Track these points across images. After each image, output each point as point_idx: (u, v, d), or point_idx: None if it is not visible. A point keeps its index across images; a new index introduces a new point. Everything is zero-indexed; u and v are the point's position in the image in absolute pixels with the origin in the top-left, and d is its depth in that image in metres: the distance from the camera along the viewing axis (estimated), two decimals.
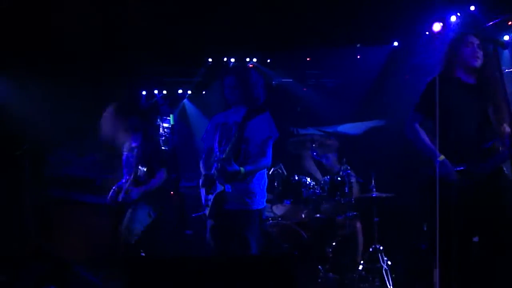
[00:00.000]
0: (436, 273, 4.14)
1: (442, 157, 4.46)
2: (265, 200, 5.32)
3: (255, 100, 5.26)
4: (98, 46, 8.24)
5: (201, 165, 5.49)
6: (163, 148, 6.64)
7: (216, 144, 5.32)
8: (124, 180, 6.49)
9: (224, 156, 4.91)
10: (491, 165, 4.42)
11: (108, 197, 6.50)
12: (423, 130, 4.75)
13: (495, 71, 4.44)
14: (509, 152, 4.34)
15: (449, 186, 4.36)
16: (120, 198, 6.33)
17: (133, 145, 6.61)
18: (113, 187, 6.52)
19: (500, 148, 4.42)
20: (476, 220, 4.42)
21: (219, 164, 4.99)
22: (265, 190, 5.31)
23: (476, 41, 4.64)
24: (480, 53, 4.60)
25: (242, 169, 4.99)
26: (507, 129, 4.43)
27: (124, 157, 6.61)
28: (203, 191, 5.35)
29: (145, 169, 6.41)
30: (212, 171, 5.22)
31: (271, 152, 5.21)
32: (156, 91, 10.21)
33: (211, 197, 5.20)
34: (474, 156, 4.45)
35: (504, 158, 4.41)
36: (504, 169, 4.47)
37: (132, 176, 6.42)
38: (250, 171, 5.07)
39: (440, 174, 4.32)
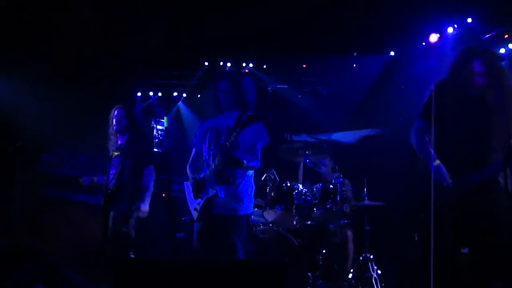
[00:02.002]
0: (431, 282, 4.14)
1: (437, 161, 4.52)
2: (252, 205, 5.36)
3: (247, 104, 5.31)
4: (95, 47, 8.23)
5: (188, 170, 5.51)
6: (155, 149, 6.61)
7: (205, 148, 5.35)
8: (110, 178, 6.44)
9: (228, 143, 4.92)
10: (485, 175, 4.43)
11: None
12: (426, 137, 4.78)
13: (501, 84, 4.47)
14: (503, 165, 4.37)
15: (443, 191, 4.42)
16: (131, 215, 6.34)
17: (120, 143, 6.55)
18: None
19: (495, 160, 4.42)
20: (469, 227, 4.43)
21: (223, 148, 4.99)
22: (252, 196, 5.35)
23: (483, 57, 4.61)
24: (487, 70, 4.56)
25: (244, 161, 5.06)
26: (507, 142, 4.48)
27: (114, 157, 6.53)
28: (190, 195, 5.35)
29: (130, 166, 6.38)
30: (202, 175, 5.23)
31: (259, 154, 5.25)
32: (151, 93, 10.22)
33: (200, 201, 5.21)
34: (472, 165, 4.46)
35: (498, 170, 4.42)
36: (500, 179, 4.47)
37: (118, 173, 6.37)
38: (248, 166, 5.13)
39: (435, 178, 4.43)
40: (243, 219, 5.21)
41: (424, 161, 4.68)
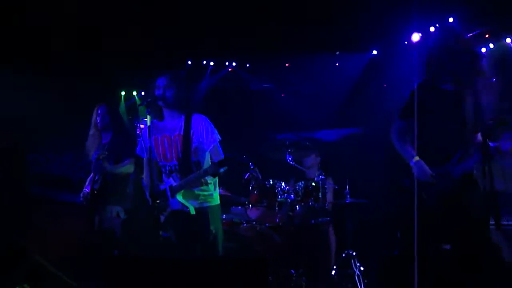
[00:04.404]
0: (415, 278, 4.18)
1: (416, 158, 4.63)
2: (217, 189, 5.37)
3: (189, 106, 5.30)
4: (80, 47, 8.22)
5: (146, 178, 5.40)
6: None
7: (160, 160, 5.31)
8: (95, 179, 6.43)
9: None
10: (466, 167, 4.59)
11: (81, 195, 6.49)
12: (407, 137, 4.88)
13: (472, 79, 4.60)
14: (479, 159, 4.47)
15: (426, 187, 4.54)
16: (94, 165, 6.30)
17: (104, 142, 6.54)
18: (84, 190, 6.51)
19: (469, 155, 4.59)
20: (450, 221, 4.54)
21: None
22: (216, 181, 5.34)
23: (457, 49, 4.73)
24: (461, 62, 4.68)
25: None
26: (479, 137, 4.58)
27: (94, 155, 6.49)
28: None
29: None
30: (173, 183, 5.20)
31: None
32: (134, 92, 10.20)
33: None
34: (451, 160, 4.59)
35: (476, 161, 4.54)
36: (474, 171, 4.64)
37: (102, 175, 6.35)
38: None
39: (416, 175, 4.57)
40: (215, 207, 5.26)
41: (404, 159, 4.79)
